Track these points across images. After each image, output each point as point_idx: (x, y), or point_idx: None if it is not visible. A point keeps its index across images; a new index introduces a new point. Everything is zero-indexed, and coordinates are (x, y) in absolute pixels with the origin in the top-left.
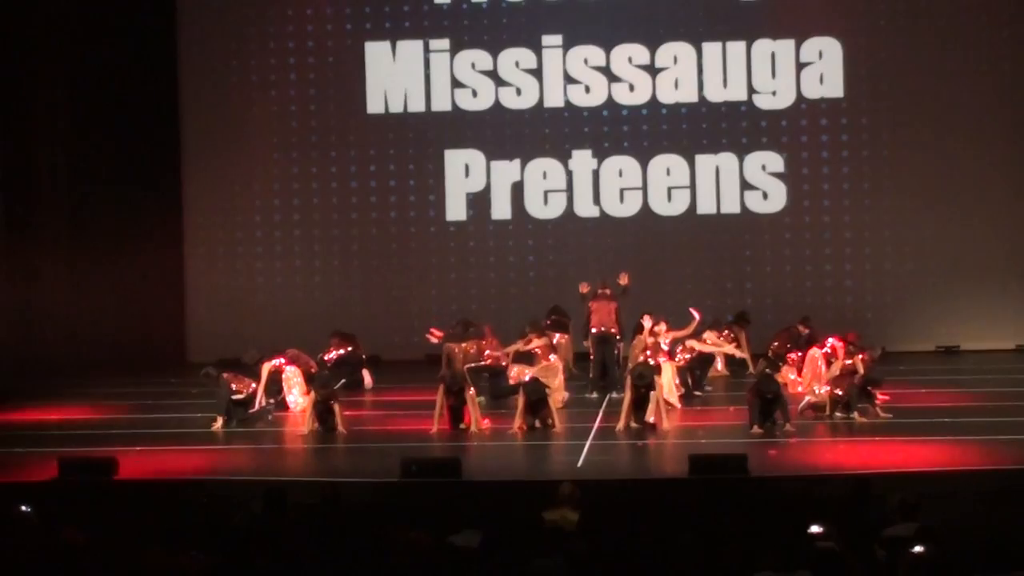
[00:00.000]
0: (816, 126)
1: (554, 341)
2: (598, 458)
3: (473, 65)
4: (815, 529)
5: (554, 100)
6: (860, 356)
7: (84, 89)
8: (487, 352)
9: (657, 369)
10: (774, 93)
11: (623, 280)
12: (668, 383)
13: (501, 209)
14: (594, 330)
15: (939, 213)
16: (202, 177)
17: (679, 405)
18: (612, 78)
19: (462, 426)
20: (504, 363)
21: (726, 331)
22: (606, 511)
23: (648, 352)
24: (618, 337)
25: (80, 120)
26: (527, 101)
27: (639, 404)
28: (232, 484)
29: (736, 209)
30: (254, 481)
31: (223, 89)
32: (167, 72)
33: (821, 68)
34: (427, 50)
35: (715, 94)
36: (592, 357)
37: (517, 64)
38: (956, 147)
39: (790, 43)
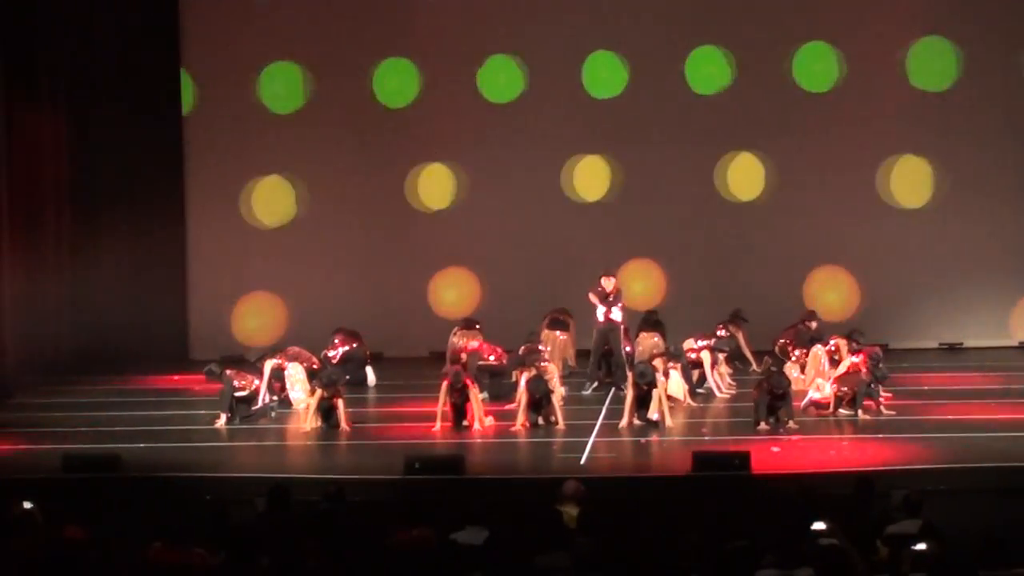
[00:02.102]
0: (819, 121)
1: (554, 336)
2: (601, 455)
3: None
4: (818, 526)
5: (561, 94)
6: (861, 354)
7: (87, 85)
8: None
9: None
10: (775, 88)
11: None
12: (676, 380)
13: (508, 204)
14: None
15: (942, 208)
16: (205, 173)
17: (687, 400)
18: (627, 73)
19: (465, 423)
20: (506, 361)
21: (723, 330)
22: (610, 508)
23: (653, 360)
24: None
25: (83, 116)
26: (529, 95)
27: (642, 401)
28: (235, 481)
29: (739, 203)
30: (257, 478)
31: (227, 83)
32: (170, 67)
33: (820, 64)
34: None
35: (720, 89)
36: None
37: (522, 59)
38: (959, 142)
39: (788, 42)
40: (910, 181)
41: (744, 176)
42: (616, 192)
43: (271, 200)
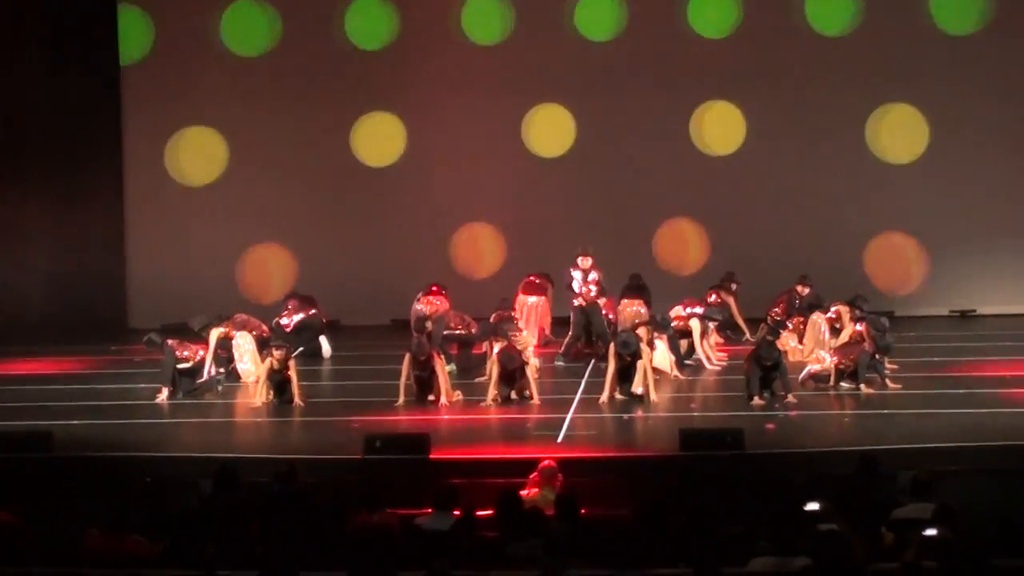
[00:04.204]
0: (822, 70)
1: (529, 303)
2: (580, 433)
3: None
4: (813, 506)
5: (527, 41)
6: (867, 322)
7: (23, 49)
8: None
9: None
10: (783, 37)
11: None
12: (661, 351)
13: (477, 158)
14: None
15: (953, 168)
16: (144, 129)
17: (675, 372)
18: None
19: (430, 398)
20: (475, 330)
21: (713, 295)
22: (588, 490)
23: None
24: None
25: (18, 80)
26: (497, 39)
27: (625, 374)
28: (178, 461)
29: (730, 156)
30: (203, 458)
31: (166, 38)
32: (107, 28)
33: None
34: None
35: (715, 32)
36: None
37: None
38: (969, 99)
39: None
40: (903, 133)
41: (723, 128)
42: (626, 146)
43: (215, 155)
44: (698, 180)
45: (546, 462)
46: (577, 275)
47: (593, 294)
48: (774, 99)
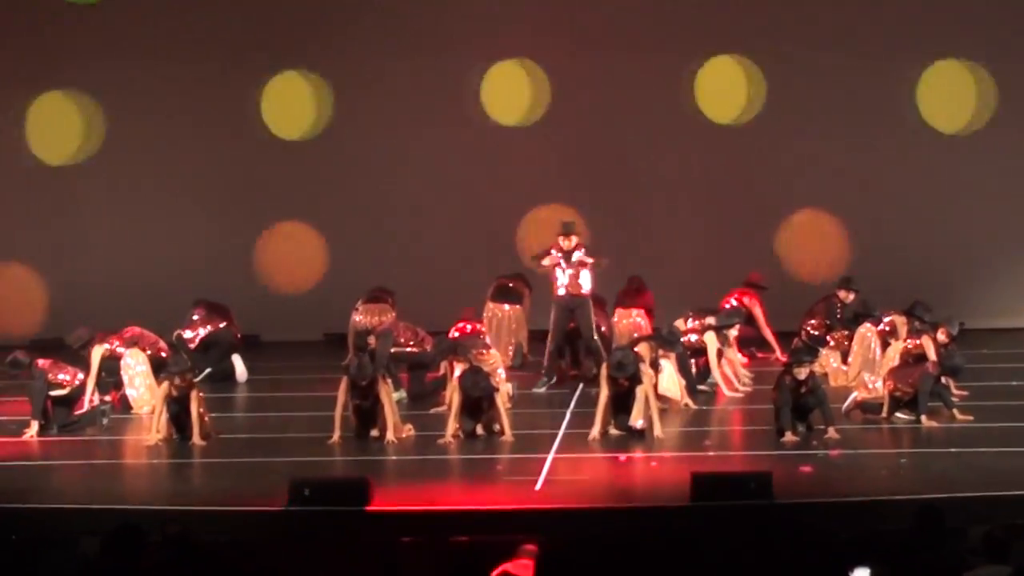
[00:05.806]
0: (856, 21)
1: (500, 313)
2: (564, 478)
3: None
4: (863, 573)
5: None
6: (931, 335)
7: None
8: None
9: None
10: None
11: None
12: (669, 373)
13: (427, 128)
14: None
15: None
16: (5, 102)
17: (685, 400)
18: None
19: (373, 434)
20: (430, 348)
21: (732, 298)
22: (576, 551)
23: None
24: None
25: None
26: None
27: (621, 403)
28: (53, 514)
29: (760, 131)
30: (84, 510)
31: None
32: None
33: None
34: None
35: None
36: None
37: None
38: None
39: None
40: (997, 112)
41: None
42: (551, 111)
43: (94, 128)
44: (702, 152)
45: (529, 546)
46: (561, 260)
47: (585, 289)
48: (800, 55)
